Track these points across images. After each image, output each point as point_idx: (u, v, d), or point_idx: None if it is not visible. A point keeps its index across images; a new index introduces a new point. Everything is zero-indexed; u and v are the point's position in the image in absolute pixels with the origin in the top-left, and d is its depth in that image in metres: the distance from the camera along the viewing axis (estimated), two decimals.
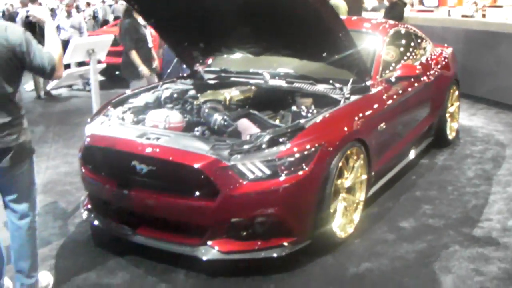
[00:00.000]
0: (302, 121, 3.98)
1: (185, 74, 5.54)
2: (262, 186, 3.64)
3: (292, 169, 3.69)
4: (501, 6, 17.34)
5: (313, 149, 3.77)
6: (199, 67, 5.48)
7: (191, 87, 5.08)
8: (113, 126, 4.26)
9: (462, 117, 7.71)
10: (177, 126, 4.28)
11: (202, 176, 3.63)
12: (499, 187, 5.28)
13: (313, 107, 4.38)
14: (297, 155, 3.71)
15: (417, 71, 4.94)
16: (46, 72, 3.19)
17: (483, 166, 5.85)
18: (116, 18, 18.33)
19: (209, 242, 3.72)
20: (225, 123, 4.11)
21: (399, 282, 3.73)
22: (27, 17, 10.20)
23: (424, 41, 6.26)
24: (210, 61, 5.69)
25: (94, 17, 16.89)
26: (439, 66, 6.12)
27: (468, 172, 5.67)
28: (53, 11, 12.37)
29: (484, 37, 8.77)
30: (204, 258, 3.69)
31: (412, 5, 18.76)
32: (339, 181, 4.08)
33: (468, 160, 6.04)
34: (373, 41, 5.11)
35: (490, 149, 6.40)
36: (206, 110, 4.33)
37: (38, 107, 9.24)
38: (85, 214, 4.35)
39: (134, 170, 3.86)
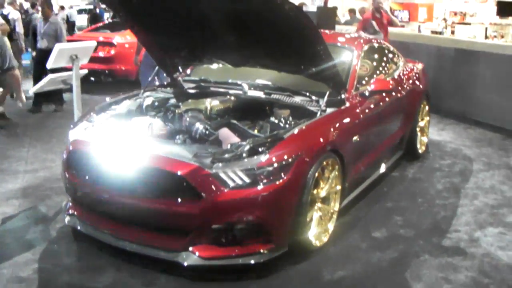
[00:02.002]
0: (280, 131, 4.16)
1: (164, 83, 5.67)
2: (242, 193, 3.80)
3: (271, 178, 3.85)
4: (469, 24, 17.98)
5: (291, 159, 3.94)
6: (178, 76, 5.63)
7: (172, 95, 5.21)
8: (97, 132, 4.40)
9: (432, 132, 7.99)
10: (160, 134, 4.42)
11: (185, 183, 3.79)
12: (467, 200, 5.53)
13: (290, 118, 4.55)
14: (275, 165, 3.87)
15: (390, 86, 5.17)
16: None
17: (452, 179, 6.11)
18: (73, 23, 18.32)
19: (190, 248, 3.85)
20: (207, 132, 4.26)
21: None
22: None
23: (396, 56, 6.52)
24: (189, 70, 5.84)
25: (68, 21, 16.86)
26: (410, 81, 6.38)
27: (437, 185, 5.92)
28: (26, 13, 12.16)
29: (454, 54, 9.10)
30: (185, 263, 3.83)
31: None
32: (315, 191, 4.26)
33: (437, 173, 6.30)
34: (348, 55, 5.34)
35: (458, 163, 6.67)
36: (188, 119, 4.47)
37: (13, 109, 9.15)
38: (68, 219, 4.44)
39: (118, 175, 4.00)
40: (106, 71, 10.27)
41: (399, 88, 5.98)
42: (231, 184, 3.79)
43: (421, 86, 6.64)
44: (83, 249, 4.34)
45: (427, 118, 6.92)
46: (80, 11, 21.97)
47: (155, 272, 3.99)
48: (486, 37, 15.88)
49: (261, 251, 3.92)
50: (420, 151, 6.72)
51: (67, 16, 17.05)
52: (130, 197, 3.99)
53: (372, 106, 5.20)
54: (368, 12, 10.42)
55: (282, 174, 3.88)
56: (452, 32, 17.27)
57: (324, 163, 4.30)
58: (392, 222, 4.95)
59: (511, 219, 5.10)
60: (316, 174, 4.14)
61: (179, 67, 5.57)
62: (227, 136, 4.24)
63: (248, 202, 3.81)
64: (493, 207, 5.37)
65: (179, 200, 3.83)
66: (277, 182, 3.86)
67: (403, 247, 4.50)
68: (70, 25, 16.75)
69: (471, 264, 4.25)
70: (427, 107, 6.86)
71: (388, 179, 5.98)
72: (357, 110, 4.92)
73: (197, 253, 3.85)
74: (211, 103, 4.76)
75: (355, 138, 4.77)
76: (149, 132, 4.39)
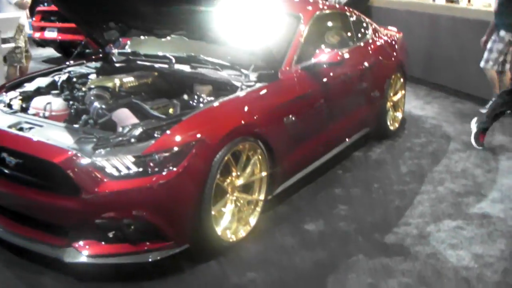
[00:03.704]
0: (185, 112, 3.45)
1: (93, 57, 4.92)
2: (127, 184, 3.11)
3: (163, 166, 3.14)
4: None
5: (188, 144, 3.21)
6: (112, 49, 4.88)
7: (94, 70, 4.48)
8: None
9: (415, 106, 7.13)
10: (59, 115, 3.74)
11: (61, 172, 3.12)
12: (430, 185, 4.69)
13: (203, 95, 3.79)
14: (168, 151, 3.16)
15: (339, 57, 4.31)
16: None
17: (420, 161, 5.25)
18: None
19: (77, 244, 3.19)
20: (101, 113, 3.55)
21: None
22: None
23: (363, 25, 5.61)
24: (129, 42, 5.09)
25: None
26: (379, 52, 5.49)
27: (402, 168, 5.07)
28: None
29: (448, 23, 8.08)
30: (67, 260, 3.17)
31: None
32: (228, 180, 3.55)
33: (406, 154, 5.44)
34: (292, 24, 4.49)
35: (433, 142, 5.79)
36: (92, 98, 3.77)
37: None
38: None
39: (4, 162, 3.37)
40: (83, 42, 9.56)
41: (362, 60, 5.13)
42: (115, 173, 3.10)
43: (393, 58, 5.74)
44: None
45: (402, 92, 6.02)
46: None
47: (46, 270, 3.33)
48: None
49: (156, 248, 3.24)
50: (391, 128, 5.85)
51: None
52: (15, 187, 3.35)
53: (317, 81, 4.37)
54: None
55: (176, 161, 3.16)
56: (469, 1, 15.88)
57: (240, 146, 3.55)
58: (334, 213, 4.17)
59: (474, 210, 4.27)
60: (225, 160, 3.40)
61: (111, 39, 4.79)
62: (122, 117, 3.50)
63: (135, 194, 3.12)
64: (458, 195, 4.53)
65: (58, 191, 3.18)
66: (170, 171, 3.14)
67: (337, 244, 3.74)
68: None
69: (411, 267, 3.46)
70: (401, 80, 5.95)
71: (346, 161, 5.17)
72: (294, 86, 4.12)
73: (82, 250, 3.19)
74: (123, 80, 4.02)
75: (288, 117, 3.98)
76: (47, 112, 3.70)
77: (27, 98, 3.98)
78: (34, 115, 3.71)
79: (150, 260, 3.22)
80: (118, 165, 3.10)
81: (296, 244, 3.71)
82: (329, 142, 4.74)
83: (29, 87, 4.15)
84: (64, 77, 4.27)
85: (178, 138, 3.21)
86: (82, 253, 3.17)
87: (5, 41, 6.00)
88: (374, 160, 5.26)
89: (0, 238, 3.48)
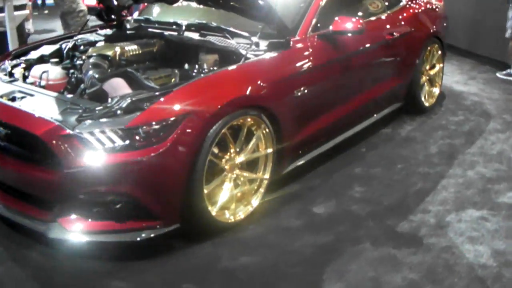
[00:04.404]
0: (179, 82, 3.16)
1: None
2: (111, 159, 2.86)
3: (149, 140, 2.88)
4: None
5: (177, 116, 2.93)
6: (128, 16, 4.63)
7: (103, 38, 4.21)
8: None
9: (458, 81, 6.56)
10: (57, 84, 3.51)
11: (42, 144, 2.91)
12: (460, 168, 4.23)
13: (206, 65, 3.47)
14: (156, 124, 2.88)
15: (360, 26, 3.86)
16: None
17: (453, 141, 4.76)
18: None
19: (62, 220, 2.97)
20: (93, 82, 3.29)
21: (271, 286, 2.87)
22: None
23: None
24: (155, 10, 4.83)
25: None
26: (412, 21, 4.97)
27: (432, 147, 4.61)
28: None
29: None
30: (51, 236, 2.98)
31: None
32: (226, 156, 3.25)
33: (439, 132, 4.95)
34: None
35: (471, 121, 5.26)
36: (89, 66, 3.52)
37: None
38: None
39: None
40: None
41: (390, 29, 4.65)
42: (99, 147, 2.86)
43: (428, 28, 5.19)
44: None
45: (440, 66, 5.48)
46: None
47: (36, 244, 3.15)
48: None
49: (145, 227, 3.00)
50: (426, 104, 5.35)
51: None
52: (4, 159, 3.17)
53: (336, 51, 3.97)
54: None
55: (164, 134, 2.90)
56: None
57: (241, 120, 3.24)
58: (349, 195, 3.80)
59: (504, 199, 3.80)
60: (222, 133, 3.11)
61: (125, 6, 4.50)
62: (117, 87, 3.23)
63: (119, 169, 2.87)
64: (489, 180, 4.05)
65: (41, 164, 2.96)
66: (157, 146, 2.88)
67: (344, 229, 3.38)
68: None
69: (421, 260, 3.07)
70: (439, 52, 5.41)
71: (373, 137, 4.75)
72: (307, 56, 3.72)
73: (66, 226, 2.97)
74: (124, 48, 3.75)
75: (300, 90, 3.61)
76: (43, 81, 3.48)
77: (29, 66, 3.78)
78: (32, 84, 3.50)
79: (138, 239, 2.99)
80: (102, 138, 2.86)
81: (300, 227, 3.39)
82: (350, 118, 4.34)
83: (34, 55, 3.93)
84: (70, 45, 4.03)
85: (167, 109, 2.93)
86: (67, 229, 2.96)
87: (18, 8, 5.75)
88: (403, 138, 4.81)
89: None
